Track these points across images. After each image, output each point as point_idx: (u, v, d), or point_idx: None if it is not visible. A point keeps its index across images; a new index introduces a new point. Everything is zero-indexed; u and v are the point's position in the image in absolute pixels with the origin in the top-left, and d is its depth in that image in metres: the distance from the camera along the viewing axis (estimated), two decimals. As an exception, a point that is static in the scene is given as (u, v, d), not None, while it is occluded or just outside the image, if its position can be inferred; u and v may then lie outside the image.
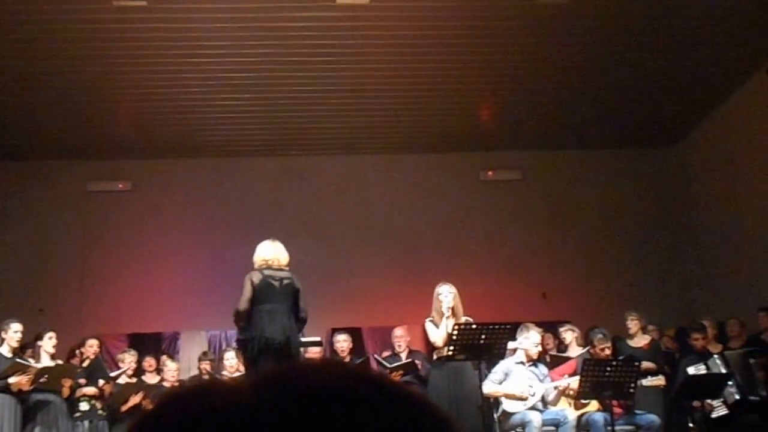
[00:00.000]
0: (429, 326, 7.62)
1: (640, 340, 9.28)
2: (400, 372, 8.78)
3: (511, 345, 7.66)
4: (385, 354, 9.74)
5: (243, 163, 12.63)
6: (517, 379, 7.95)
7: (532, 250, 12.67)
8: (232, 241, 11.33)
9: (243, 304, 6.92)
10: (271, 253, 7.06)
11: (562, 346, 9.51)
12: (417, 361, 8.97)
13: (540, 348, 8.21)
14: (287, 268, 7.06)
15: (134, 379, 9.48)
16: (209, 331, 11.85)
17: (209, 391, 0.62)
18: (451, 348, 7.04)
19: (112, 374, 9.20)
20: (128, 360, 9.59)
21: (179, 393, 0.63)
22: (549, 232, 12.83)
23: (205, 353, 10.35)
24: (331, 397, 0.59)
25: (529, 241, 12.72)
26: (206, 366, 9.78)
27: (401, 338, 9.48)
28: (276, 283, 6.90)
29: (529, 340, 8.08)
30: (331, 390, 0.60)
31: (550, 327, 9.84)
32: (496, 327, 7.13)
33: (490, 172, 13.04)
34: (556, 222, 12.89)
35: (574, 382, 7.76)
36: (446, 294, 7.58)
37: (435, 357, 7.62)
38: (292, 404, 0.58)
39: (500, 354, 7.43)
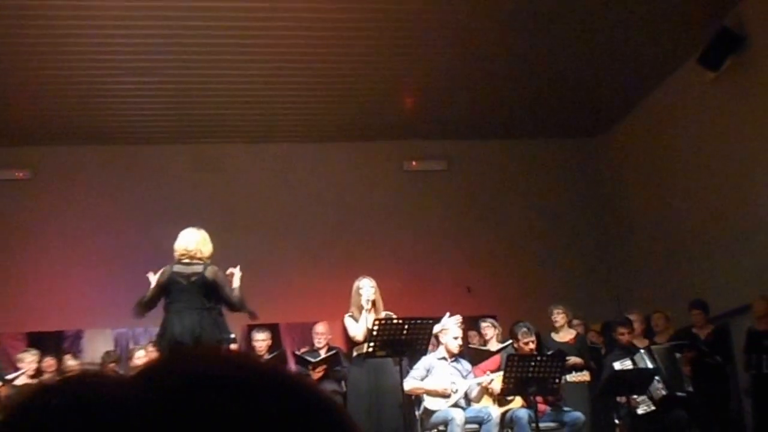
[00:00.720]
0: (348, 321, 7.62)
1: (566, 335, 9.40)
2: (323, 367, 8.78)
3: (436, 328, 7.67)
4: (303, 350, 9.63)
5: (153, 151, 12.44)
6: (439, 375, 7.96)
7: (456, 243, 12.72)
8: (140, 234, 11.28)
9: (143, 300, 6.97)
10: (193, 243, 6.93)
11: (483, 342, 9.51)
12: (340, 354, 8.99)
13: (460, 341, 8.21)
14: (207, 261, 6.93)
15: (34, 381, 9.10)
16: (116, 329, 11.64)
17: (87, 381, 0.61)
18: (371, 344, 7.02)
19: (8, 376, 9.02)
20: (28, 360, 9.42)
21: (53, 384, 0.61)
22: (474, 224, 12.90)
23: (108, 353, 10.22)
24: (212, 385, 0.59)
25: (453, 234, 12.79)
26: (112, 366, 9.56)
27: (322, 335, 9.45)
28: (183, 281, 6.82)
29: (448, 333, 8.09)
30: (212, 378, 0.60)
31: (475, 322, 9.90)
32: (419, 321, 7.11)
33: (414, 162, 13.07)
34: (481, 214, 12.96)
35: (498, 378, 7.82)
36: (366, 288, 7.58)
37: (354, 354, 7.62)
38: (172, 392, 0.58)
39: (422, 350, 7.44)
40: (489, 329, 9.42)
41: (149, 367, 0.62)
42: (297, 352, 9.48)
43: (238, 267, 7.13)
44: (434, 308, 9.54)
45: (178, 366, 0.62)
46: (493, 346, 9.13)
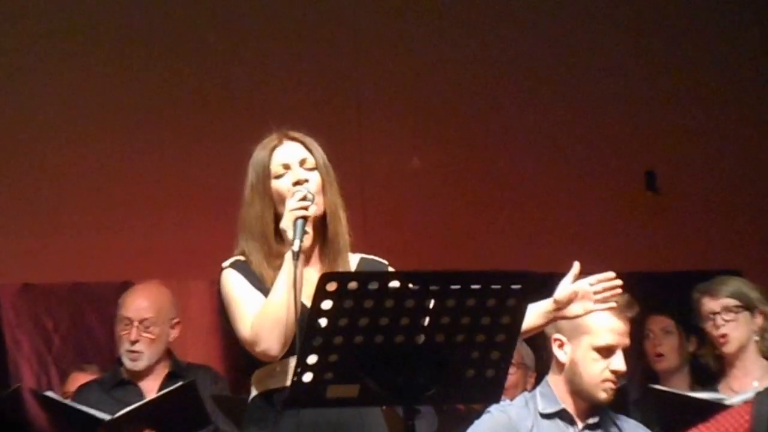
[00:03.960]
0: (232, 282, 5.95)
1: None
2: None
3: (543, 305, 6.18)
4: (81, 377, 8.74)
5: None
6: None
7: (617, 67, 11.59)
8: None
9: None
10: None
11: (713, 354, 8.56)
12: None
13: (623, 367, 6.67)
14: None
15: None
16: None
17: None
18: (313, 362, 5.13)
19: None
20: None
21: None
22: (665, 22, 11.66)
23: None
24: None
25: (606, 42, 11.61)
26: None
27: (146, 323, 8.33)
28: None
29: (594, 334, 6.57)
30: None
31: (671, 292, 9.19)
32: (475, 288, 5.09)
33: None
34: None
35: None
36: (293, 172, 6.09)
37: (255, 393, 5.91)
38: None
39: (486, 388, 5.52)
40: (726, 320, 8.00)
41: None
42: (51, 394, 8.28)
43: None
44: (544, 248, 10.17)
45: None
46: (748, 371, 7.96)
